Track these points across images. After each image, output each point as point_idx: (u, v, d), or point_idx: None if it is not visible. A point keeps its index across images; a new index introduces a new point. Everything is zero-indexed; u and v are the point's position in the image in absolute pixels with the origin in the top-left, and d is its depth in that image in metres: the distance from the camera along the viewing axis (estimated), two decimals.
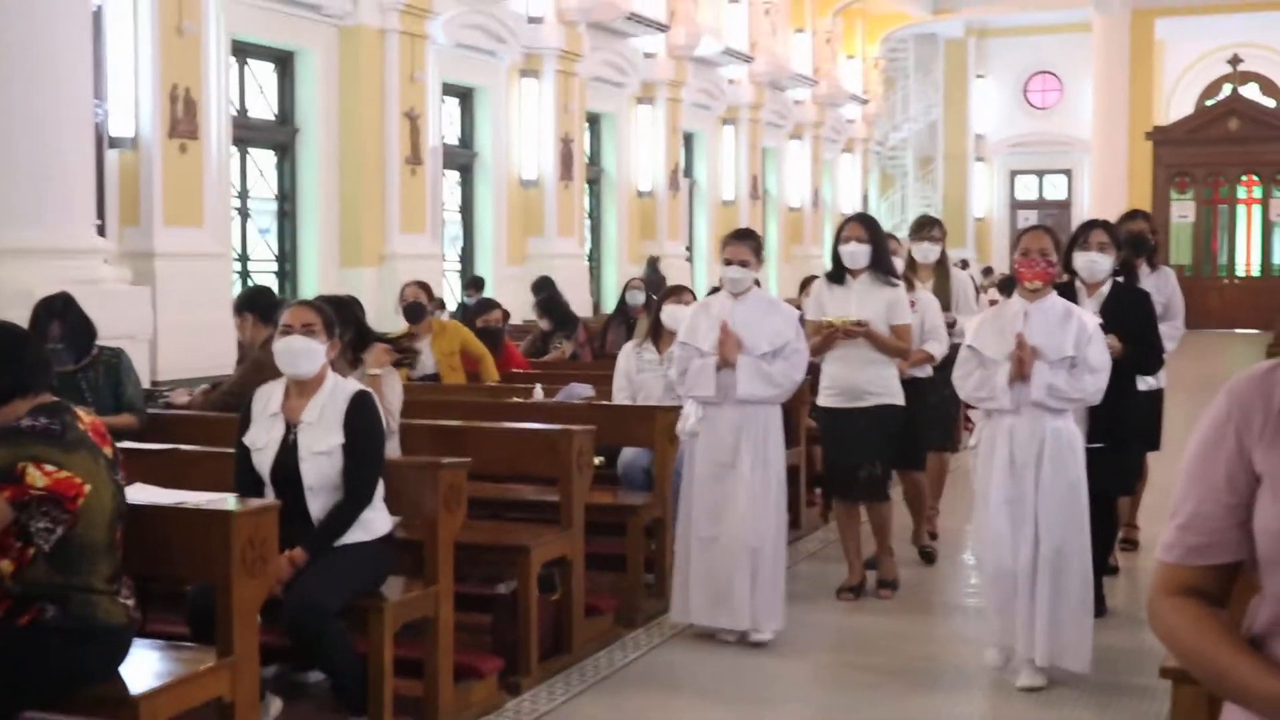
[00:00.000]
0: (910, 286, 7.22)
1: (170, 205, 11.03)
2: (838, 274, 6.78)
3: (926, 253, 8.03)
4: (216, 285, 11.33)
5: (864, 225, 6.75)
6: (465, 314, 12.00)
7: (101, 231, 10.07)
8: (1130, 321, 6.22)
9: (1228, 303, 28.10)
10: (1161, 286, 7.67)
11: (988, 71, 32.47)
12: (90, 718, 3.96)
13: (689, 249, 21.70)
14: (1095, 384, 5.41)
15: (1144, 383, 7.00)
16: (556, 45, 16.56)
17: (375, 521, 4.77)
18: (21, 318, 5.45)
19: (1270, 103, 29.47)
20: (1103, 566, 6.36)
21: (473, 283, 14.54)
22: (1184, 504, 1.96)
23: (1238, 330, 27.17)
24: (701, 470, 6.06)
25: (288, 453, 4.70)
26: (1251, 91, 29.50)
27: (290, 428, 4.74)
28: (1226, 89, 28.95)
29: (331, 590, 4.54)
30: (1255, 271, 28.70)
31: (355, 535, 4.70)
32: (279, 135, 13.29)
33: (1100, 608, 6.33)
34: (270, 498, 4.60)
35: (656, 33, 19.19)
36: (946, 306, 7.78)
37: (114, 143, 10.78)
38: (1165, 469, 7.33)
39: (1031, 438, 5.40)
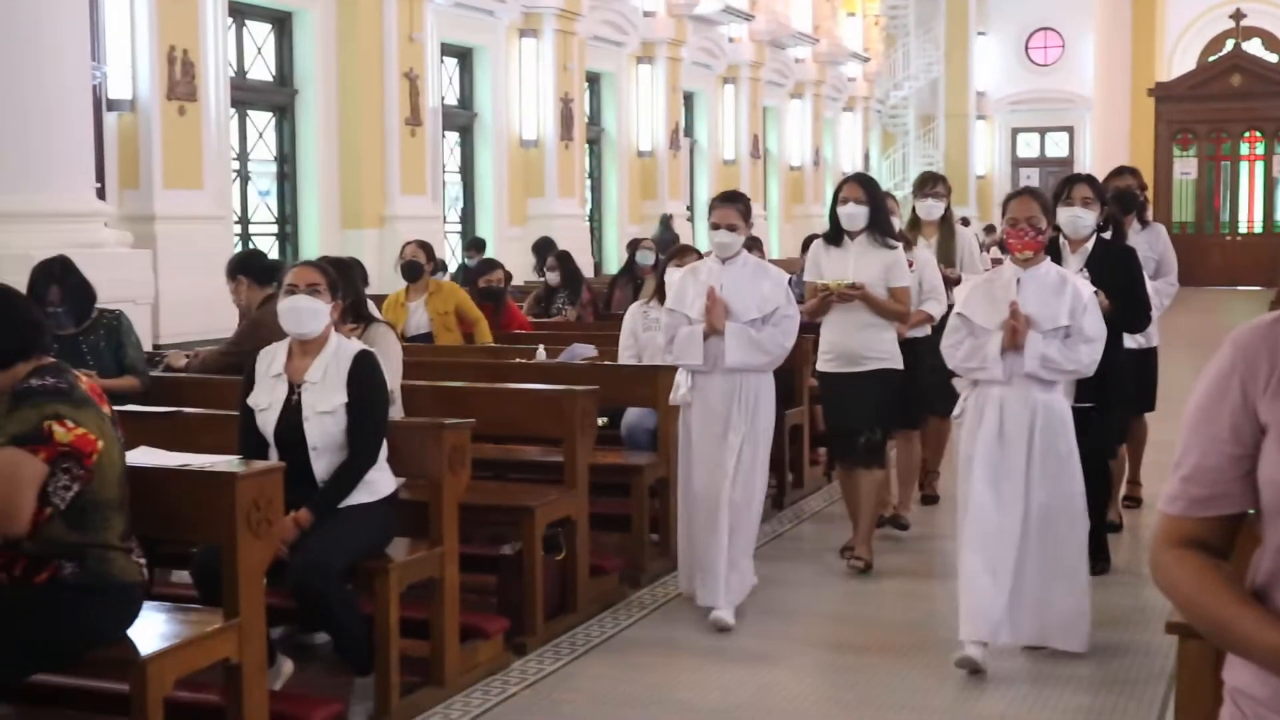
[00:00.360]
0: (909, 246, 7.12)
1: (170, 168, 10.99)
2: (835, 235, 6.62)
3: (930, 209, 7.89)
4: (217, 248, 11.26)
5: (862, 186, 6.58)
6: (467, 275, 11.98)
7: (101, 195, 10.04)
8: (1116, 278, 6.06)
9: (1230, 259, 28.11)
10: (1153, 243, 7.60)
11: (989, 28, 32.27)
12: (98, 680, 3.98)
13: (690, 209, 21.64)
14: (1090, 355, 5.24)
15: (1134, 341, 6.94)
16: (555, 4, 16.46)
17: (379, 482, 4.77)
18: (21, 282, 5.42)
19: (1273, 58, 29.34)
20: (1101, 524, 6.29)
21: (474, 244, 14.50)
22: (1187, 456, 1.95)
23: (1240, 287, 27.17)
24: (698, 439, 5.95)
25: (291, 413, 4.69)
26: (1254, 47, 29.38)
27: (294, 388, 4.73)
28: (1229, 45, 28.83)
29: (337, 551, 4.53)
30: (1258, 228, 28.68)
31: (360, 496, 4.69)
32: (277, 97, 13.22)
33: (1104, 565, 6.37)
34: (274, 459, 4.59)
35: None
36: (951, 264, 7.71)
37: (112, 105, 10.73)
38: (1164, 426, 7.33)
39: (1023, 409, 5.22)
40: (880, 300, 6.48)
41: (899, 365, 6.59)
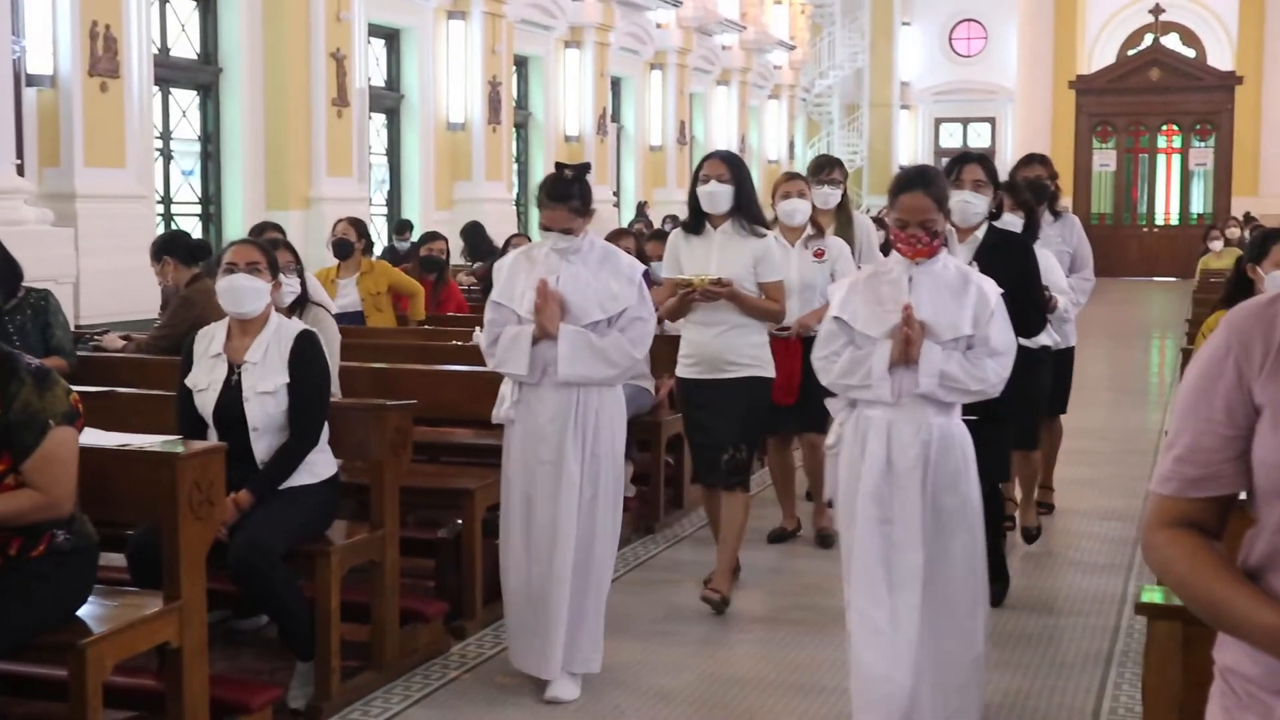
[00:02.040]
0: (820, 232, 6.67)
1: (91, 146, 10.77)
2: (696, 222, 5.80)
3: (826, 198, 7.21)
4: (140, 227, 11.07)
5: (726, 163, 5.76)
6: (394, 258, 11.88)
7: (20, 172, 9.82)
8: (1009, 272, 5.01)
9: (1147, 251, 28.53)
10: (1067, 235, 7.23)
11: (913, 19, 32.51)
12: (38, 665, 3.88)
13: (616, 194, 21.60)
14: (998, 372, 4.28)
15: (1050, 339, 6.50)
16: None
17: (320, 464, 4.70)
18: None
19: (1191, 53, 29.81)
20: (995, 543, 5.60)
21: (401, 226, 14.39)
22: (1180, 436, 1.95)
23: (1156, 278, 27.59)
24: (521, 467, 4.83)
25: (231, 394, 4.61)
26: (1173, 42, 29.82)
27: (234, 368, 4.64)
28: (1148, 39, 29.23)
29: (278, 533, 4.46)
30: (1174, 220, 29.10)
31: (300, 478, 4.62)
32: (201, 75, 13.02)
33: (1002, 587, 5.78)
34: (214, 440, 4.51)
35: None
36: (851, 253, 7.01)
37: (31, 81, 10.48)
38: (1078, 423, 7.44)
39: (914, 437, 4.24)
40: (749, 298, 5.67)
41: (769, 372, 5.81)
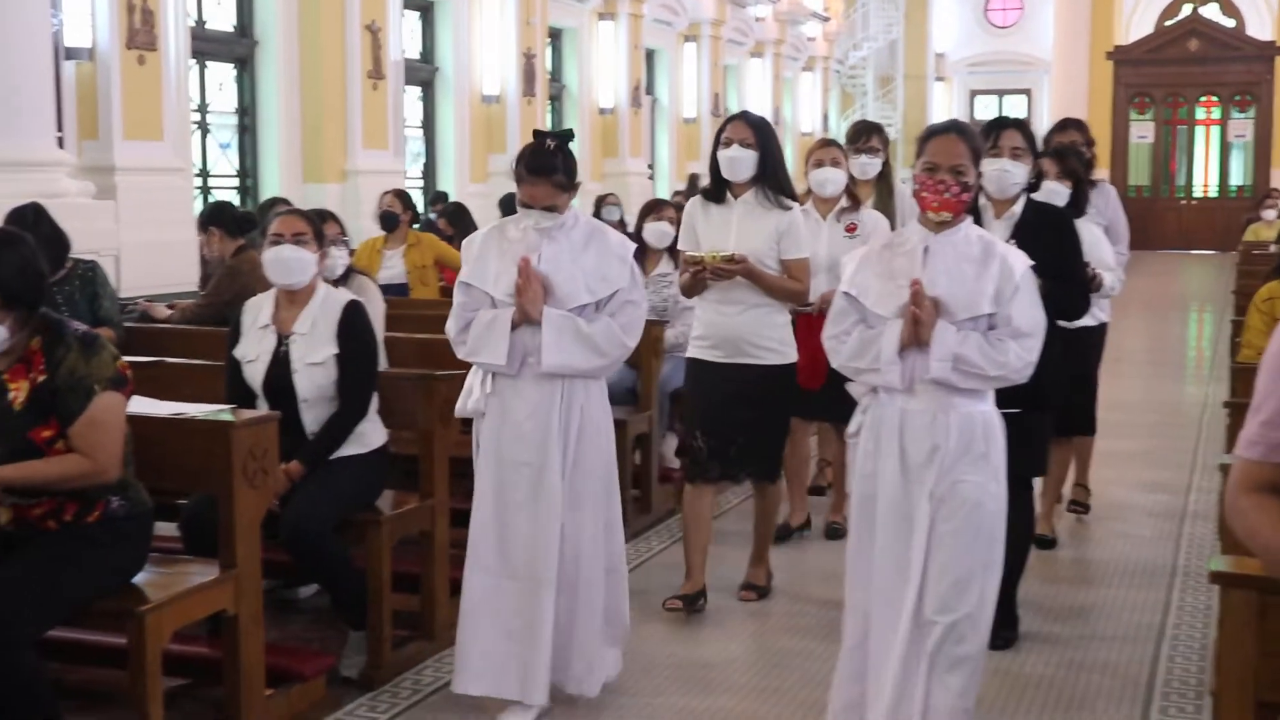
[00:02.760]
0: (855, 204, 6.25)
1: (130, 118, 10.75)
2: (716, 190, 5.34)
3: (865, 167, 6.76)
4: (177, 200, 11.10)
5: (750, 126, 5.26)
6: (431, 231, 11.87)
7: (60, 145, 9.83)
8: (1049, 250, 4.62)
9: (1185, 224, 28.30)
10: (1101, 206, 6.68)
11: None
12: (93, 632, 3.90)
13: (651, 167, 21.53)
14: (1021, 355, 3.80)
15: (1092, 318, 6.12)
16: None
17: (369, 434, 4.70)
18: None
19: (1230, 23, 29.43)
20: (1015, 579, 4.96)
21: (437, 198, 14.38)
22: (1267, 400, 1.92)
23: (1194, 251, 27.38)
24: (490, 474, 4.33)
25: (280, 365, 4.61)
26: (1211, 11, 29.45)
27: (282, 340, 4.65)
28: (1186, 9, 28.92)
29: (329, 504, 4.47)
30: (1212, 192, 28.84)
31: (350, 448, 4.63)
32: (238, 48, 12.99)
33: (1009, 636, 5.02)
34: (264, 410, 4.51)
35: None
36: (892, 228, 6.40)
37: (70, 54, 10.47)
38: (1117, 395, 7.24)
39: (930, 428, 3.82)
40: (768, 276, 5.21)
41: (792, 359, 5.36)
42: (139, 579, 3.83)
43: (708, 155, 5.53)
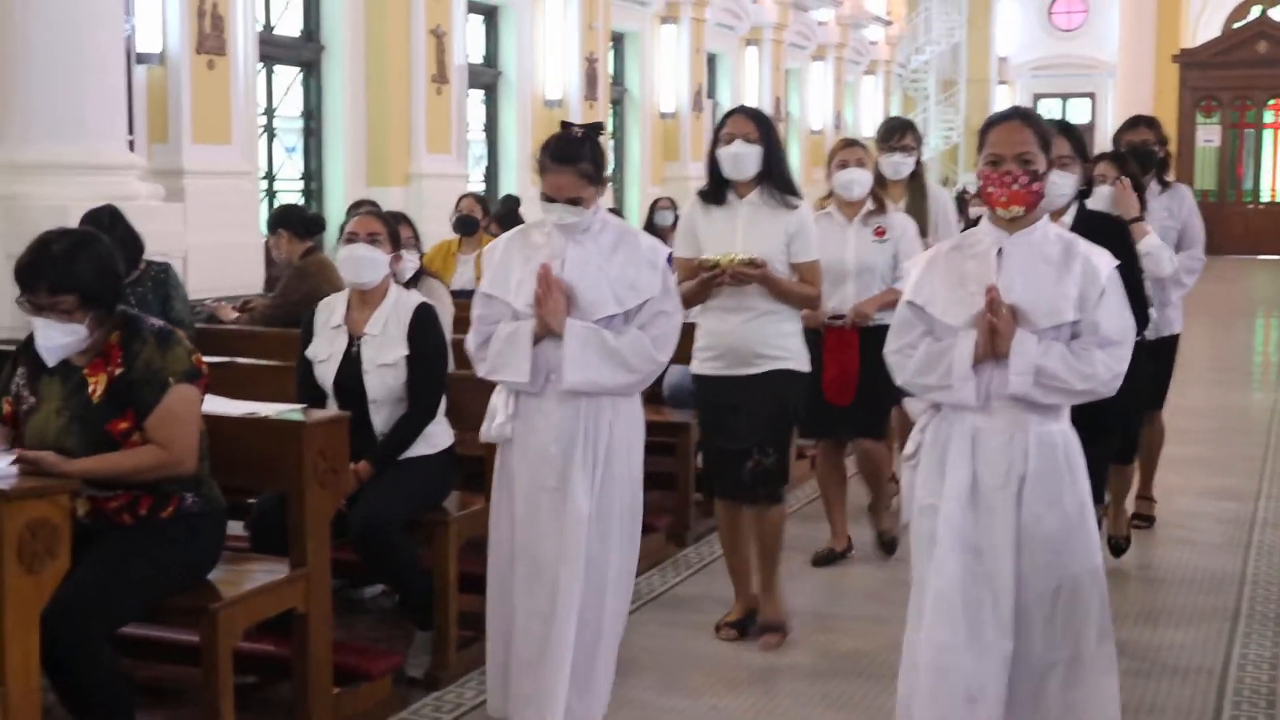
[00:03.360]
0: (881, 208, 5.87)
1: (199, 122, 10.90)
2: (716, 190, 4.94)
3: (898, 167, 6.44)
4: (244, 203, 11.24)
5: (752, 120, 4.87)
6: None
7: (131, 148, 9.97)
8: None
9: (1252, 228, 27.95)
10: (1175, 209, 6.34)
11: None
12: (164, 629, 3.95)
13: None
14: (1110, 366, 3.48)
15: (1177, 322, 6.12)
16: None
17: (438, 435, 4.74)
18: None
19: None
20: None
21: (506, 201, 14.49)
22: None
23: (1261, 256, 27.03)
24: (522, 495, 4.03)
25: (351, 365, 4.67)
26: None
27: (353, 340, 4.70)
28: (1255, 11, 28.58)
29: (397, 504, 4.51)
30: None
31: (418, 449, 4.67)
32: (305, 52, 13.12)
33: None
34: (334, 410, 4.56)
35: None
36: (924, 232, 6.21)
37: (141, 59, 10.62)
38: (1176, 416, 6.99)
39: (1005, 450, 3.50)
40: (784, 282, 4.86)
41: (803, 365, 4.99)
42: (211, 576, 3.88)
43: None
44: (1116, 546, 6.08)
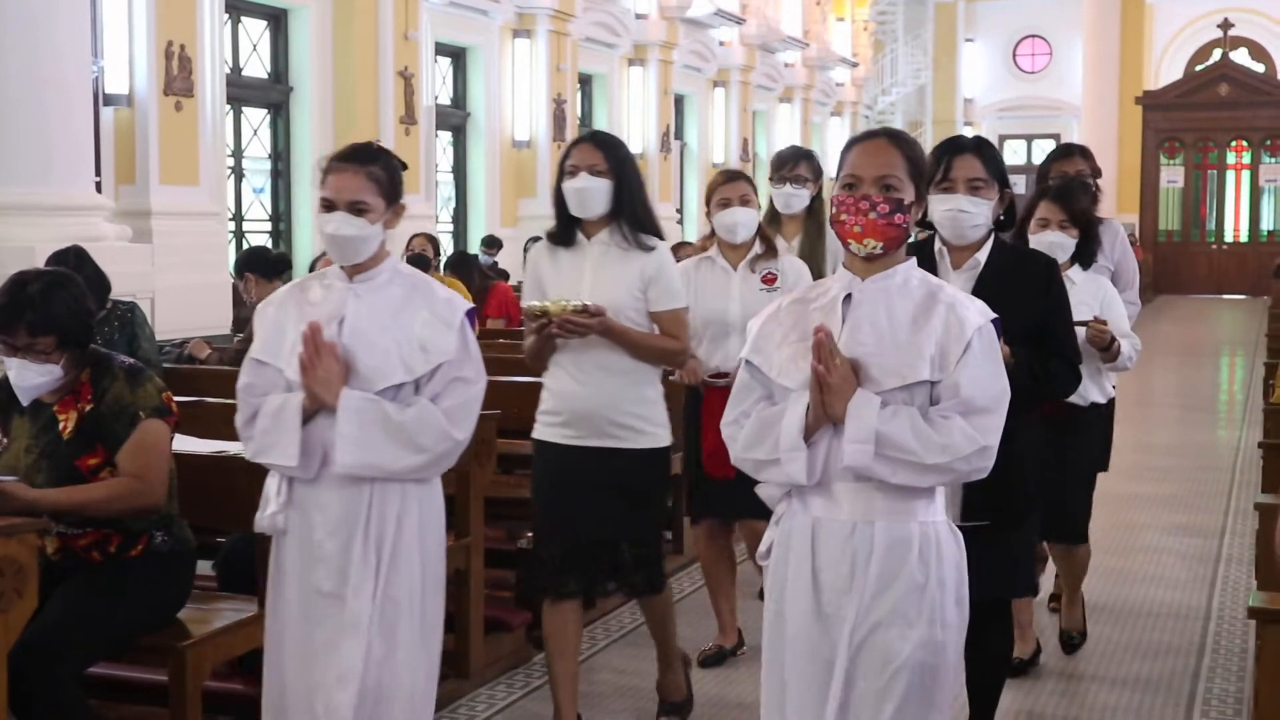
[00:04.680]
0: (771, 251, 5.12)
1: (166, 163, 10.91)
2: (564, 231, 4.24)
3: (789, 200, 5.68)
4: (213, 244, 11.24)
5: (600, 148, 4.17)
6: (493, 271, 12.11)
7: (98, 189, 9.97)
8: (1027, 307, 3.73)
9: (1215, 268, 28.23)
10: (1108, 248, 5.54)
11: (976, 35, 32.37)
12: (133, 669, 3.93)
13: (679, 211, 21.63)
14: (973, 438, 2.81)
15: (1099, 391, 5.06)
16: (549, 5, 16.43)
17: None
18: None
19: (1260, 68, 29.46)
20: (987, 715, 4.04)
21: (488, 241, 14.58)
22: None
23: (1225, 296, 27.28)
24: (287, 599, 3.42)
25: None
26: (1241, 57, 29.49)
27: None
28: (1216, 54, 28.95)
29: None
30: (1243, 237, 28.78)
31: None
32: (273, 94, 13.16)
33: None
34: None
35: None
36: (820, 277, 5.14)
37: (109, 100, 10.64)
38: (1149, 439, 6.93)
39: (848, 545, 2.86)
40: (633, 332, 4.13)
41: (665, 440, 4.25)
42: (179, 615, 3.87)
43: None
44: (1070, 642, 5.40)
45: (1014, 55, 32.63)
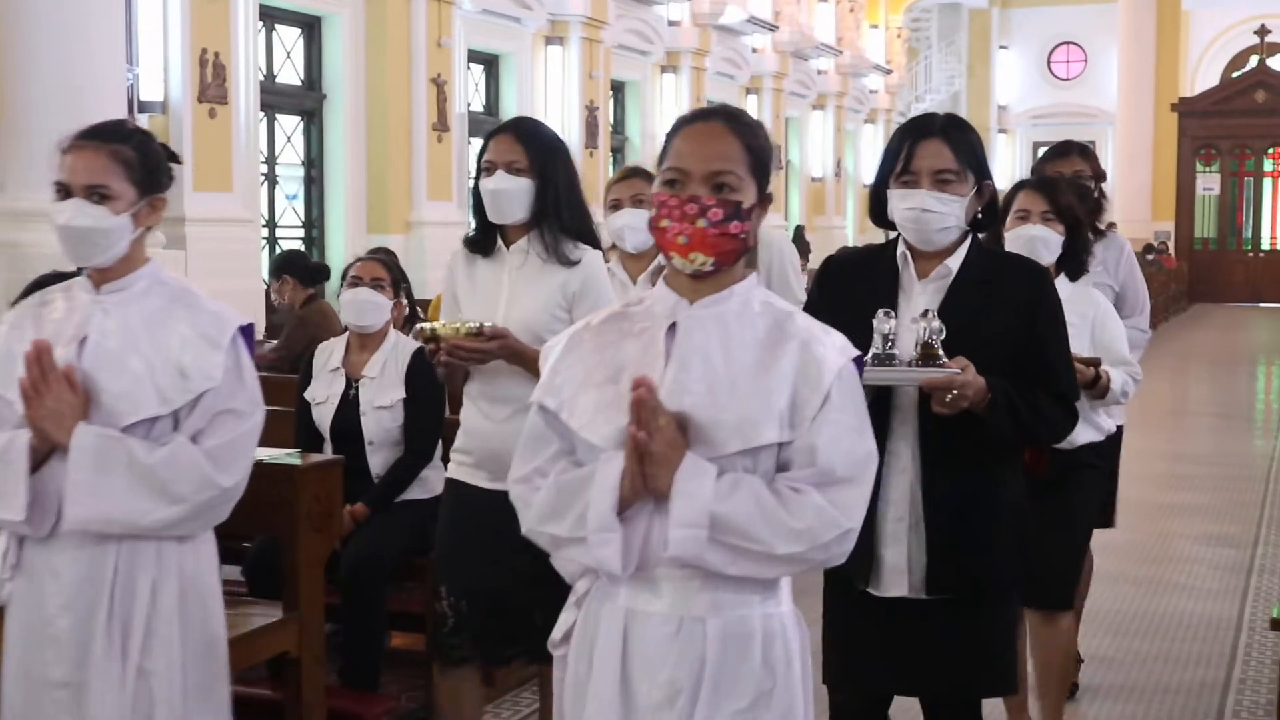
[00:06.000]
0: None
1: (200, 170, 10.98)
2: (482, 237, 3.62)
3: None
4: (246, 251, 11.31)
5: (521, 141, 3.53)
6: None
7: None
8: (1006, 330, 2.96)
9: (1252, 276, 28.04)
10: (1110, 264, 4.81)
11: (1011, 42, 32.26)
12: None
13: None
14: (832, 518, 2.18)
15: (1092, 431, 4.08)
16: (581, 12, 16.46)
17: (432, 480, 4.76)
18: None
19: None
20: None
21: None
22: None
23: (1262, 304, 27.07)
24: (13, 690, 2.83)
25: (348, 407, 4.71)
26: (1278, 63, 29.28)
27: (351, 383, 4.75)
28: (1253, 60, 28.77)
29: (390, 546, 4.53)
30: None
31: (413, 492, 4.70)
32: (306, 101, 13.23)
33: None
34: (330, 453, 4.59)
35: (681, 1, 19.08)
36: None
37: (144, 107, 10.72)
38: (1183, 448, 6.42)
39: (671, 647, 2.23)
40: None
41: None
42: None
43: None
44: None
45: (1049, 62, 32.49)
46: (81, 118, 8.62)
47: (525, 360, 3.36)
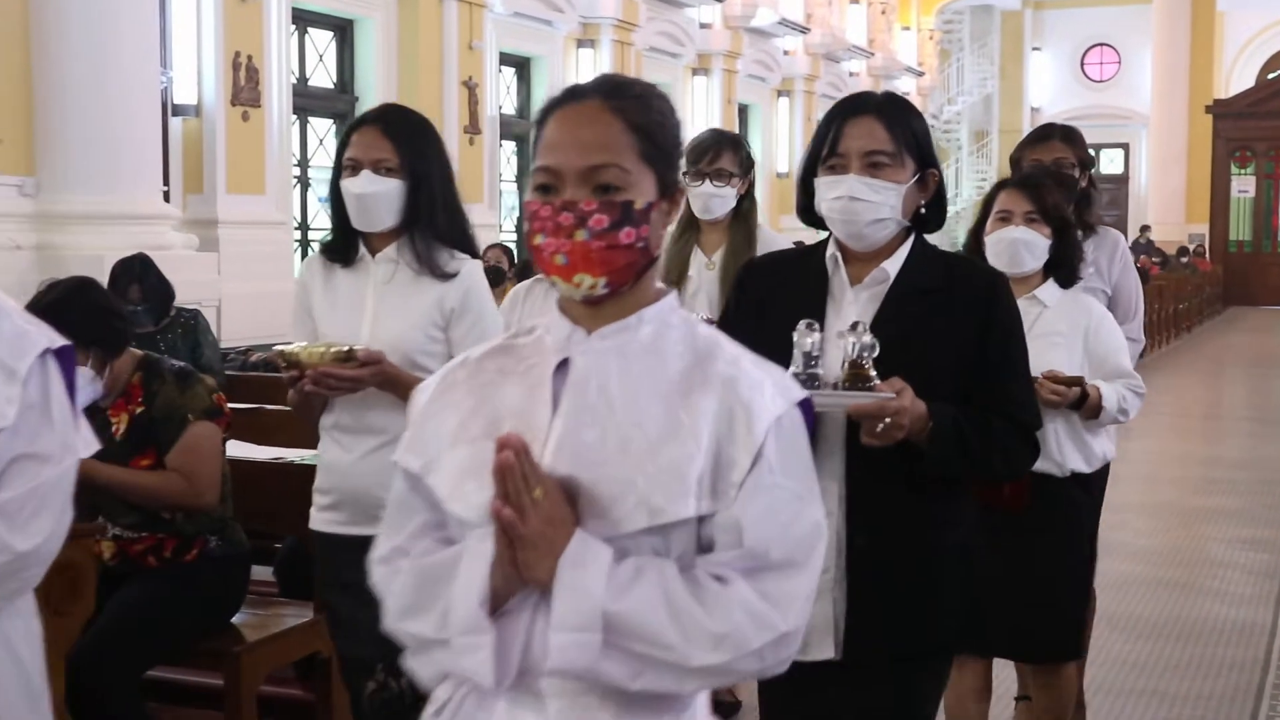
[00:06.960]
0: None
1: (233, 173, 11.05)
2: (341, 243, 3.19)
3: (708, 201, 4.22)
4: (279, 253, 11.38)
5: (390, 137, 3.09)
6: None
7: (166, 199, 10.11)
8: (953, 345, 2.51)
9: None
10: (1102, 264, 4.27)
11: (1044, 44, 32.14)
12: (188, 672, 3.97)
13: None
14: (766, 621, 1.63)
15: (1080, 459, 3.59)
16: (613, 15, 16.49)
17: None
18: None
19: None
20: None
21: None
22: None
23: None
24: None
25: None
26: None
27: None
28: None
29: None
30: None
31: None
32: (338, 104, 13.29)
33: None
34: None
35: (713, 3, 19.09)
36: None
37: (177, 110, 10.79)
38: (1215, 452, 6.43)
39: None
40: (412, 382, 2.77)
41: None
42: (235, 620, 3.92)
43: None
44: None
45: (1082, 64, 32.35)
46: (115, 121, 8.75)
47: (401, 388, 2.91)
